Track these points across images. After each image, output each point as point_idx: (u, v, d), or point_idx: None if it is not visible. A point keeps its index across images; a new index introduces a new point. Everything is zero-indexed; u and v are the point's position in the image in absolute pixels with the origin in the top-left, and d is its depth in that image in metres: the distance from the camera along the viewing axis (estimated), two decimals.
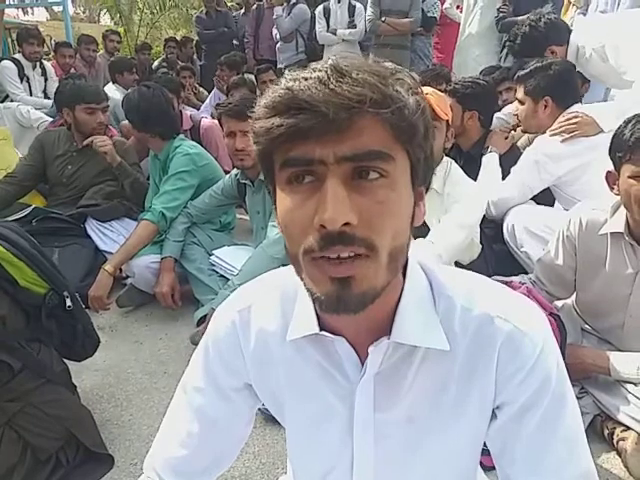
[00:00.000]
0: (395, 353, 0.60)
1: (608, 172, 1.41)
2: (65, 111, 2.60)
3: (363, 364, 0.61)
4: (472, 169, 2.04)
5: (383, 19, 4.19)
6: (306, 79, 0.49)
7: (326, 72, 0.49)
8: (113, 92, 3.83)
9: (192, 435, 0.72)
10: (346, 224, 0.48)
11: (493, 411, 0.62)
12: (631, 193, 1.31)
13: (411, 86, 0.52)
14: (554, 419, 0.59)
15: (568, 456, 0.61)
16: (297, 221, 0.51)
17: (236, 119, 2.00)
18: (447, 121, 1.73)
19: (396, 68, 0.53)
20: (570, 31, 2.42)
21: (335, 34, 4.50)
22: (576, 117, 2.00)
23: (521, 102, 2.15)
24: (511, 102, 3.10)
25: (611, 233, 1.44)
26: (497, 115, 2.91)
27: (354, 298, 0.50)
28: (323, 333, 0.59)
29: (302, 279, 0.54)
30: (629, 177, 1.31)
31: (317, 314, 0.60)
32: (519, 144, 2.89)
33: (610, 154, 1.39)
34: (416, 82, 0.53)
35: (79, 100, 2.56)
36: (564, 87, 2.07)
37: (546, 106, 2.07)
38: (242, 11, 5.79)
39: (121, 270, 2.28)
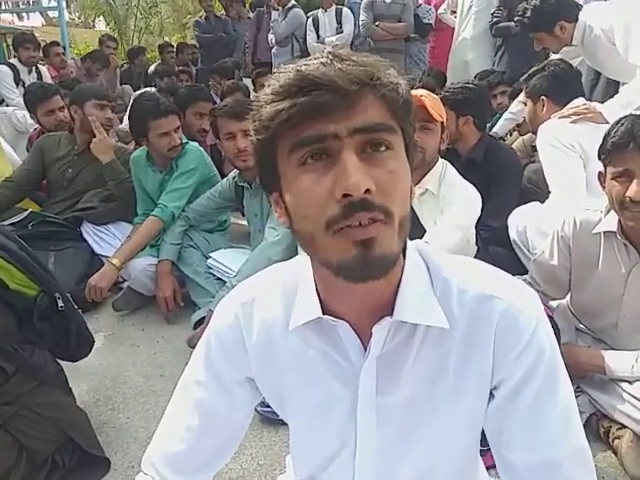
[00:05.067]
0: (397, 334, 0.62)
1: (599, 172, 1.43)
2: (73, 108, 2.61)
3: (366, 349, 0.62)
4: (473, 173, 2.01)
5: (377, 24, 4.22)
6: (311, 64, 0.52)
7: (327, 58, 0.53)
8: None
9: (191, 429, 0.72)
10: (366, 191, 0.51)
11: (491, 392, 0.64)
12: (612, 194, 1.34)
13: (397, 72, 0.57)
14: (548, 394, 0.61)
15: (563, 431, 0.62)
16: (315, 197, 0.53)
17: (236, 119, 2.00)
18: (442, 123, 1.75)
19: (380, 59, 0.57)
20: (580, 9, 2.41)
21: (324, 43, 4.53)
22: (584, 104, 2.05)
23: (525, 104, 2.24)
24: (506, 105, 3.13)
25: (604, 232, 1.45)
26: (505, 116, 2.95)
27: (377, 260, 0.53)
28: (326, 317, 0.61)
29: (317, 258, 0.57)
30: (611, 179, 1.35)
31: (320, 300, 0.62)
32: (514, 146, 2.92)
33: (598, 155, 1.41)
34: (400, 71, 0.58)
35: (91, 96, 2.58)
36: (559, 86, 2.10)
37: (544, 105, 2.12)
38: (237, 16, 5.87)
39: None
